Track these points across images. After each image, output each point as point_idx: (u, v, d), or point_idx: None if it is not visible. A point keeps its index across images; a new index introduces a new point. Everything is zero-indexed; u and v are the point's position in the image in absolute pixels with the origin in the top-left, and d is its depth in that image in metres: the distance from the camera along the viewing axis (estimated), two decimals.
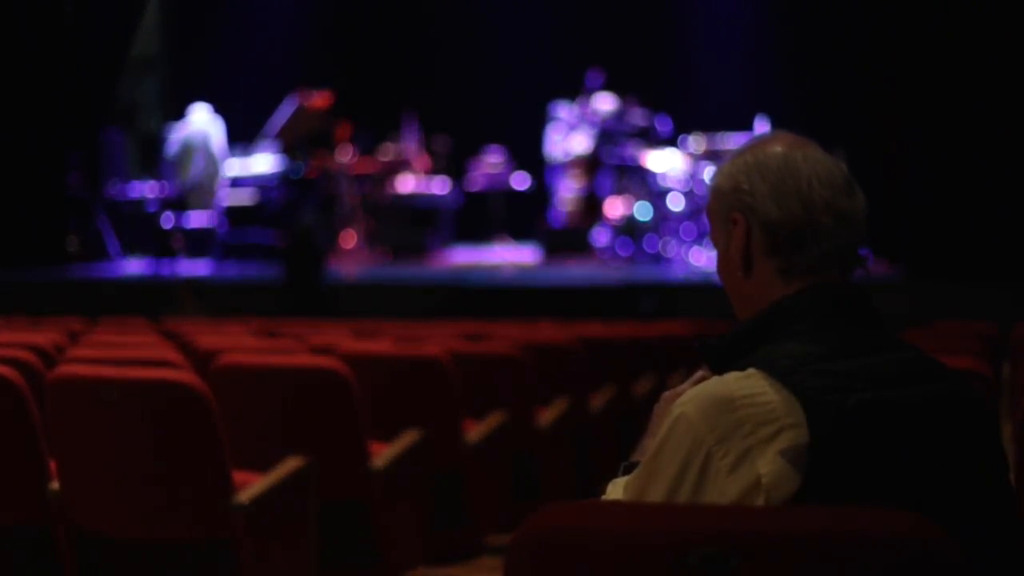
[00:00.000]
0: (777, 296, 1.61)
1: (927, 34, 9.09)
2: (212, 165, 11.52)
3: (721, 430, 1.46)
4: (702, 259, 10.26)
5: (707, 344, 1.66)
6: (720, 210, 1.68)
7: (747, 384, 1.48)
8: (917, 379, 1.55)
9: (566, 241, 11.57)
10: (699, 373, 1.76)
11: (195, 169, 11.48)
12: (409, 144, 12.25)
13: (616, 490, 1.70)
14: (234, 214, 11.58)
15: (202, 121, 11.66)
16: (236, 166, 12.00)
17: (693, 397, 1.50)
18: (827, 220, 1.60)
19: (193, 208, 11.49)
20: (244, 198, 11.74)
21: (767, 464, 1.43)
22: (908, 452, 1.49)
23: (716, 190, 1.69)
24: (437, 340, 4.62)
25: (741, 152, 1.70)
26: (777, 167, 1.63)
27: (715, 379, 1.53)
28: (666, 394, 1.79)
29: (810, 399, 1.45)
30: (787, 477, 1.43)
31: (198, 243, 11.50)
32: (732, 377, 1.50)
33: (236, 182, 11.86)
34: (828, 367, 1.50)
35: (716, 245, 1.71)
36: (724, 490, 1.44)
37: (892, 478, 1.47)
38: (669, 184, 10.63)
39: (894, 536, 1.23)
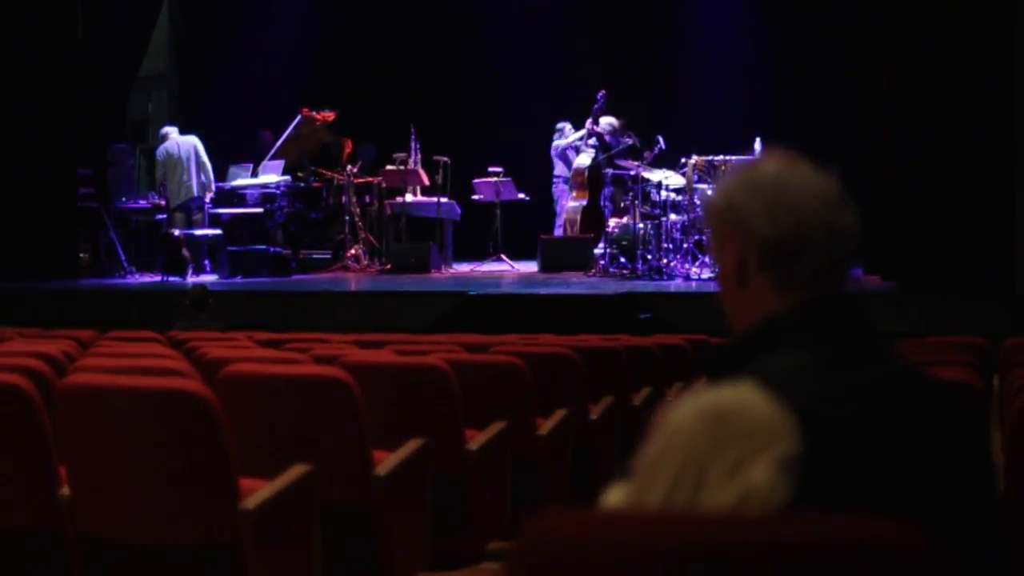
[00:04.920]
0: (771, 309, 1.64)
1: (919, 54, 9.18)
2: (191, 178, 11.61)
3: (715, 440, 1.46)
4: (700, 273, 10.32)
5: (704, 356, 1.70)
6: (716, 227, 1.70)
7: (741, 395, 1.49)
8: (908, 391, 1.58)
9: (566, 254, 11.62)
10: (697, 387, 1.80)
11: (192, 184, 11.57)
12: (412, 160, 12.34)
13: (614, 497, 1.72)
14: (240, 226, 11.67)
15: (179, 137, 11.77)
16: (243, 180, 12.10)
17: (687, 407, 1.51)
18: (820, 236, 1.62)
19: (190, 222, 11.58)
20: (251, 210, 11.83)
21: (760, 474, 1.44)
22: (900, 463, 1.51)
23: (712, 208, 1.71)
24: (439, 351, 4.68)
25: (736, 172, 1.72)
26: (771, 184, 1.65)
27: (709, 390, 1.53)
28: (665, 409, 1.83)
29: (803, 410, 1.47)
30: (780, 487, 1.44)
31: (205, 255, 11.60)
32: (726, 388, 1.51)
33: (243, 195, 11.96)
34: (821, 379, 1.52)
35: (716, 261, 1.74)
36: (718, 500, 1.44)
37: (884, 488, 1.49)
38: (668, 198, 10.71)
39: (884, 543, 1.25)
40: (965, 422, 1.61)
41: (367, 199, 12.17)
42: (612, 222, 11.31)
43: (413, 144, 12.33)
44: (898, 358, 1.64)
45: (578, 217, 11.94)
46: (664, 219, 10.64)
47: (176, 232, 11.39)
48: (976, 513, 1.57)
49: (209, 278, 11.16)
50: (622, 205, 11.42)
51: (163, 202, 11.67)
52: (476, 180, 12.35)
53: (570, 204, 12.10)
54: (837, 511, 1.41)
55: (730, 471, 1.45)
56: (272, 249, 11.39)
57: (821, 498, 1.44)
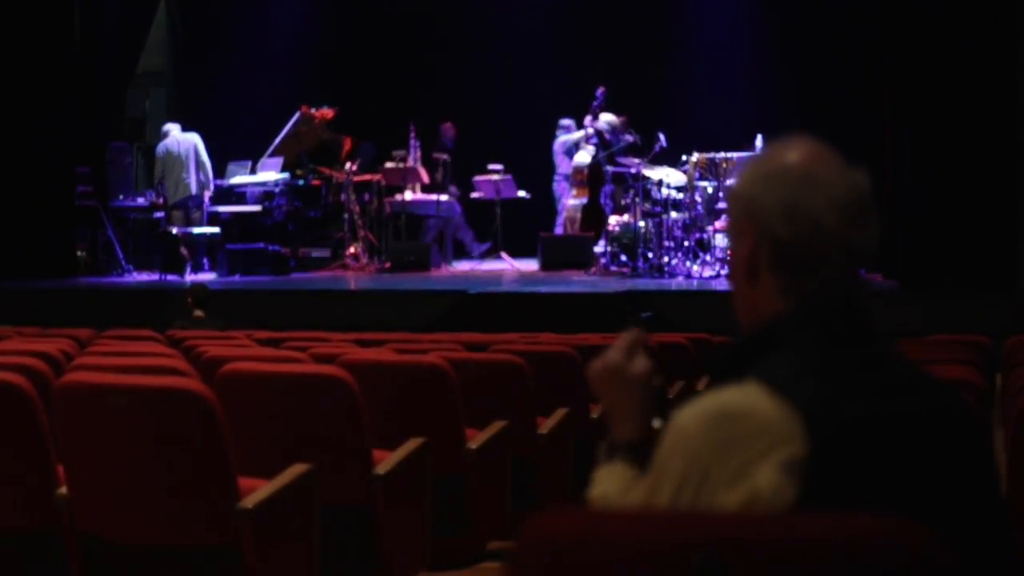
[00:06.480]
0: (777, 309, 1.62)
1: (920, 53, 9.18)
2: (190, 176, 11.58)
3: (720, 442, 1.47)
4: (701, 271, 10.31)
5: (708, 356, 1.68)
6: (735, 214, 1.66)
7: (746, 397, 1.49)
8: (911, 392, 1.57)
9: (567, 252, 11.63)
10: (629, 335, 1.77)
11: (190, 182, 11.55)
12: (411, 158, 12.33)
13: (600, 478, 1.73)
14: (239, 224, 11.65)
15: (180, 135, 11.75)
16: (241, 178, 12.09)
17: (693, 410, 1.51)
18: (835, 251, 1.58)
19: (188, 220, 11.56)
20: (249, 208, 11.81)
21: (765, 476, 1.44)
22: (903, 463, 1.51)
23: (733, 193, 1.67)
24: (439, 350, 4.67)
25: (763, 157, 1.67)
26: (794, 183, 1.60)
27: (714, 391, 1.53)
28: (594, 363, 1.79)
29: (808, 411, 1.46)
30: (785, 489, 1.43)
31: (204, 253, 11.59)
32: (731, 390, 1.51)
33: (241, 193, 11.95)
34: (826, 380, 1.51)
35: (731, 243, 1.70)
36: (723, 502, 1.45)
37: (888, 489, 1.49)
38: (669, 196, 10.70)
39: (886, 542, 1.25)
40: (969, 422, 1.60)
41: (366, 197, 12.16)
42: (613, 220, 11.30)
43: (413, 142, 12.32)
44: (902, 358, 1.63)
45: (578, 215, 11.94)
46: (665, 217, 10.63)
47: (174, 230, 11.38)
48: (980, 512, 1.57)
49: (207, 276, 11.15)
50: (623, 203, 11.41)
51: (161, 200, 11.66)
52: (476, 178, 12.34)
53: (570, 202, 12.10)
54: (841, 511, 1.40)
55: (735, 475, 1.45)
56: (271, 247, 11.38)
57: (826, 498, 1.44)
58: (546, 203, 12.51)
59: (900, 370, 1.60)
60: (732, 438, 1.46)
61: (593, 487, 1.77)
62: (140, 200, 12.24)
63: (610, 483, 1.73)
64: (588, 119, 11.94)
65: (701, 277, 10.23)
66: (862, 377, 1.54)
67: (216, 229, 11.58)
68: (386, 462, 3.49)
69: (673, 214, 10.63)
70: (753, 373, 1.52)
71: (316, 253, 12.21)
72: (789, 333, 1.58)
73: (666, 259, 10.59)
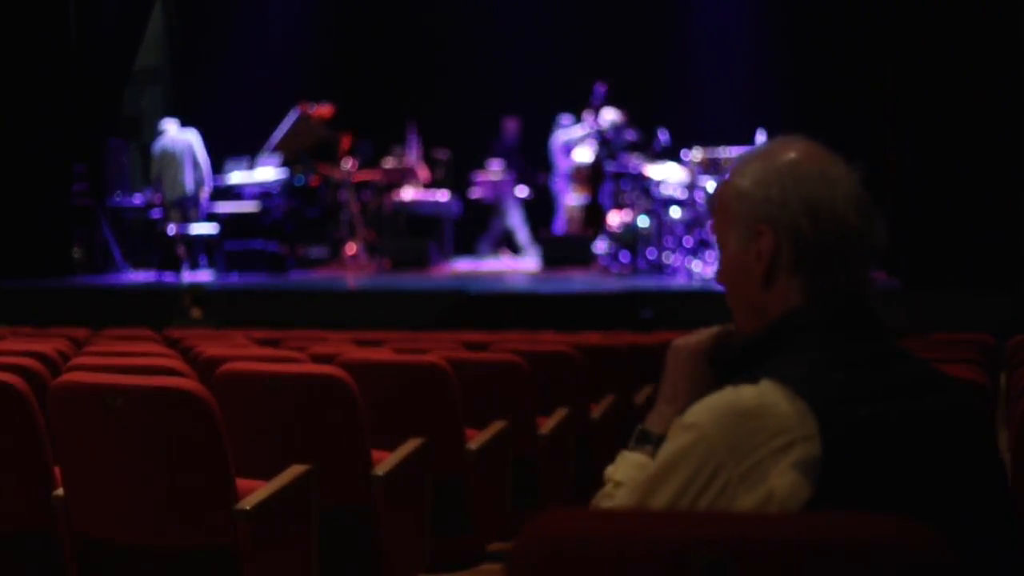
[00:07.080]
0: (789, 308, 1.60)
1: (923, 49, 9.16)
2: (187, 175, 11.53)
3: (734, 441, 1.46)
4: (702, 268, 10.29)
5: (716, 354, 1.66)
6: (743, 215, 1.62)
7: (761, 395, 1.48)
8: (924, 390, 1.56)
9: (567, 250, 11.63)
10: (715, 329, 1.77)
11: (187, 180, 11.49)
12: (411, 155, 12.32)
13: (624, 463, 1.73)
14: (237, 223, 11.62)
15: (177, 132, 11.68)
16: (239, 176, 12.05)
17: (707, 407, 1.50)
18: (857, 249, 1.58)
19: (186, 219, 11.52)
20: (247, 207, 11.78)
21: (779, 476, 1.43)
22: (917, 462, 1.50)
23: (742, 193, 1.63)
24: (439, 349, 4.65)
25: (768, 155, 1.63)
26: (811, 180, 1.58)
27: (728, 389, 1.51)
28: (676, 342, 1.79)
29: (823, 410, 1.45)
30: (799, 489, 1.43)
31: (201, 252, 11.56)
32: (746, 388, 1.50)
33: (239, 191, 11.91)
34: (839, 379, 1.50)
35: (722, 244, 1.66)
36: (736, 501, 1.44)
37: (902, 488, 1.48)
38: (670, 194, 10.68)
39: (885, 540, 1.23)
40: (979, 420, 1.60)
41: (366, 194, 12.15)
42: (614, 218, 11.27)
43: (413, 140, 12.29)
44: (912, 357, 1.62)
45: (579, 213, 11.93)
46: (665, 215, 10.61)
47: (171, 229, 11.34)
48: (992, 512, 1.57)
49: (205, 276, 11.12)
50: (623, 201, 11.40)
51: (158, 199, 11.62)
52: (476, 178, 12.31)
53: (571, 200, 12.07)
54: (851, 510, 1.41)
55: (749, 474, 1.44)
56: (268, 246, 11.35)
57: (840, 498, 1.43)
58: (547, 201, 12.50)
59: (913, 369, 1.59)
60: (747, 436, 1.45)
61: (613, 469, 1.77)
62: (137, 198, 12.20)
63: (629, 471, 1.73)
64: (589, 116, 11.91)
65: (702, 276, 10.21)
66: (876, 376, 1.54)
67: (214, 228, 11.54)
68: (385, 463, 3.47)
69: (674, 212, 10.61)
70: (766, 372, 1.51)
71: (315, 252, 12.19)
72: (801, 332, 1.58)
73: (667, 258, 10.57)
